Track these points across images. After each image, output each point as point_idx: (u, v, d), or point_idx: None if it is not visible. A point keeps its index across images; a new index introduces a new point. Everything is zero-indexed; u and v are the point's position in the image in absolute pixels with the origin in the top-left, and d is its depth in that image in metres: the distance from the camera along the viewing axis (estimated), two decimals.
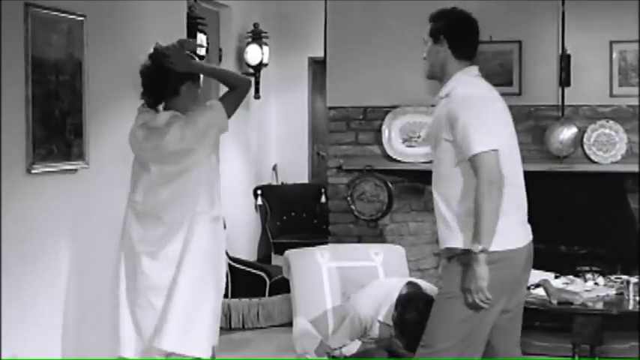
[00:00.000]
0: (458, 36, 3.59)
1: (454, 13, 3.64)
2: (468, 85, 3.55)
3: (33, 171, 4.43)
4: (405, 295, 3.91)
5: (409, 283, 4.09)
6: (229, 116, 4.05)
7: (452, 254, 3.48)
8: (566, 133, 5.32)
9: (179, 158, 3.96)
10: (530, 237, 3.59)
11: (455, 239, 3.47)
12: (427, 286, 4.14)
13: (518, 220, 3.54)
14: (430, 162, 5.47)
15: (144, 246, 4.00)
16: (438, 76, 3.67)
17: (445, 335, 3.42)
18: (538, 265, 5.13)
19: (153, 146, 3.99)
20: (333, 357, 4.10)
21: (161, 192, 3.99)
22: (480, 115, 3.45)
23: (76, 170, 4.84)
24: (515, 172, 3.60)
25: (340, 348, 4.05)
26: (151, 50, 4.16)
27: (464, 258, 3.40)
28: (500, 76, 5.54)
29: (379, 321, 3.98)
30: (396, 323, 3.83)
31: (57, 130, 4.63)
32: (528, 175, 5.57)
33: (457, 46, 3.58)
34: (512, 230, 3.46)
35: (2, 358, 4.22)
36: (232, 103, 4.09)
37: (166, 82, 4.03)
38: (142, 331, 3.99)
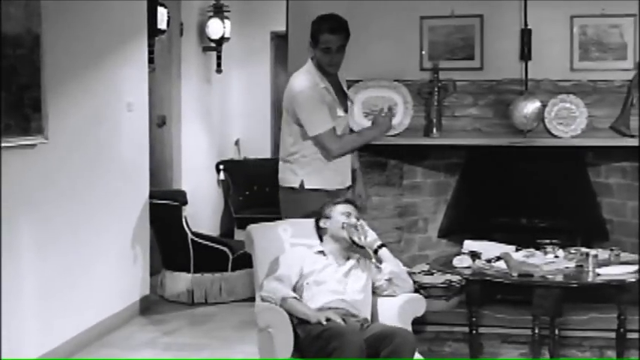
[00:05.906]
0: None
1: None
2: None
3: None
4: None
5: None
6: None
7: None
8: (530, 107, 5.34)
9: None
10: None
11: None
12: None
13: None
14: (393, 136, 5.53)
15: None
16: None
17: None
18: (499, 238, 5.20)
19: None
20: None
21: None
22: None
23: (34, 145, 4.78)
24: None
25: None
26: None
27: None
28: (462, 51, 5.56)
29: None
30: None
31: (15, 105, 4.57)
32: (491, 149, 5.65)
33: None
34: None
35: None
36: None
37: None
38: None
